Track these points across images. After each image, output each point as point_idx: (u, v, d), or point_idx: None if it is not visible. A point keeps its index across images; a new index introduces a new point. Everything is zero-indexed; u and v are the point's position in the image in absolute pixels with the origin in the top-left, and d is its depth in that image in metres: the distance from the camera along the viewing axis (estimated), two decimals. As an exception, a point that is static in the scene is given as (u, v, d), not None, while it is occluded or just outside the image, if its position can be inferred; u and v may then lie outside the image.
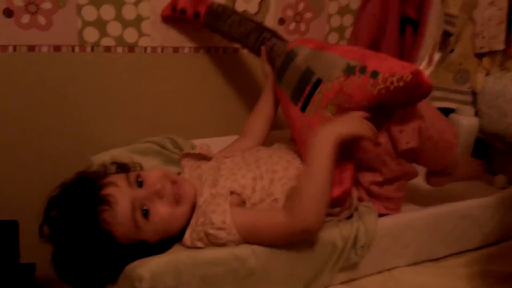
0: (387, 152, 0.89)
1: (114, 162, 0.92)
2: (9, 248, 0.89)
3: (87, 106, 1.13)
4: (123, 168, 0.89)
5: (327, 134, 0.78)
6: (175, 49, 1.17)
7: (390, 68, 0.79)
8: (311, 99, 0.89)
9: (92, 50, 1.10)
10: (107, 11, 1.08)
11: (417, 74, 0.77)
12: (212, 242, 0.78)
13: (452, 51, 1.31)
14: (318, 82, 0.88)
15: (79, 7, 1.05)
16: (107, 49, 1.11)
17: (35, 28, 1.04)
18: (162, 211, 0.79)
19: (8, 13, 1.01)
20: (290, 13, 1.24)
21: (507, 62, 1.31)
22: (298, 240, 0.79)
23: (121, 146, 1.11)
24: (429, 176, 1.08)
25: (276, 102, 1.07)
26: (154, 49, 1.15)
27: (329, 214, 0.86)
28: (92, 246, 0.75)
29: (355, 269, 0.91)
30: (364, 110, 0.83)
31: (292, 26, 1.25)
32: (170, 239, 0.82)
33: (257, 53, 1.08)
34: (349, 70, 0.84)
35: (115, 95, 1.15)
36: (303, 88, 0.91)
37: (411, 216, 0.95)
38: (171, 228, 0.81)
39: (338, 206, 0.88)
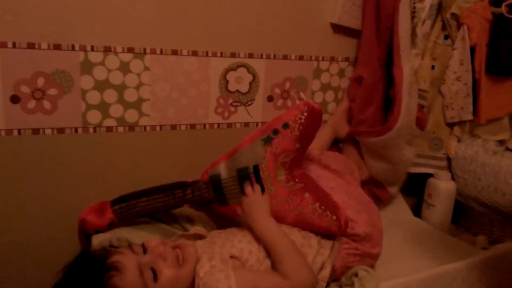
0: None
1: (111, 245, 0.94)
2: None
3: (89, 183, 1.17)
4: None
5: (261, 218, 0.94)
6: (173, 127, 1.24)
7: (289, 115, 0.99)
8: (262, 182, 0.99)
9: (95, 131, 1.15)
10: (110, 95, 1.15)
11: (307, 103, 0.98)
12: None
13: (425, 121, 1.43)
14: (256, 167, 0.99)
15: (84, 92, 1.12)
16: (109, 129, 1.16)
17: (40, 113, 1.09)
18: (168, 272, 0.81)
19: (15, 99, 1.06)
20: (277, 91, 1.34)
21: (475, 129, 1.44)
22: None
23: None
24: None
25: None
26: (153, 127, 1.21)
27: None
28: None
29: (359, 336, 0.93)
30: (299, 151, 0.99)
31: (280, 102, 1.35)
32: None
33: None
34: (267, 141, 0.99)
35: (117, 171, 1.19)
36: (248, 182, 0.99)
37: (407, 279, 1.00)
38: None
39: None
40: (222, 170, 1.03)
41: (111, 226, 1.09)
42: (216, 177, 1.02)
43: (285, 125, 0.98)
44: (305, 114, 0.97)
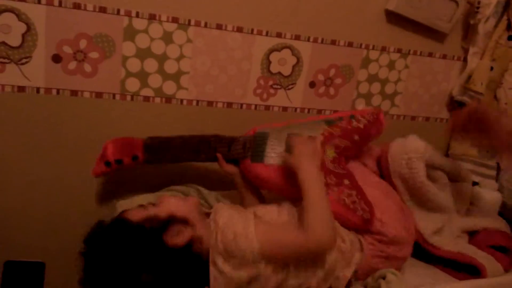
0: None
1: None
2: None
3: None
4: None
5: (311, 168, 0.90)
6: (210, 103, 1.21)
7: (358, 112, 1.08)
8: None
9: (132, 99, 1.14)
10: (150, 64, 1.13)
11: (379, 112, 1.09)
12: (231, 252, 0.80)
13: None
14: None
15: (125, 59, 1.10)
16: (146, 99, 1.15)
17: (80, 75, 1.09)
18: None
19: (57, 59, 1.06)
20: (321, 77, 1.28)
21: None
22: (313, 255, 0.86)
23: (148, 192, 1.13)
24: None
25: (255, 190, 1.09)
26: (189, 102, 1.19)
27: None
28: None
29: None
30: (354, 144, 1.04)
31: (322, 89, 1.30)
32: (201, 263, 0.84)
33: (213, 160, 1.08)
34: (330, 122, 1.05)
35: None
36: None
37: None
38: None
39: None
40: (271, 131, 1.06)
41: (134, 159, 1.03)
42: (264, 134, 1.05)
43: (352, 116, 1.06)
44: (373, 117, 1.07)
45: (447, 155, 1.44)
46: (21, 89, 1.06)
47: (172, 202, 0.88)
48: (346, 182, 0.99)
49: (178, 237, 0.81)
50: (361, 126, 1.04)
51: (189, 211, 0.86)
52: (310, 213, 0.84)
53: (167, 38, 1.12)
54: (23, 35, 1.03)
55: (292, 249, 0.83)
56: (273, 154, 1.01)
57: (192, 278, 0.81)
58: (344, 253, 0.91)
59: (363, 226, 0.96)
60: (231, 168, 1.08)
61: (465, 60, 1.37)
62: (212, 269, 0.81)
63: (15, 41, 1.03)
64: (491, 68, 1.30)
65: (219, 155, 1.06)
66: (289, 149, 0.98)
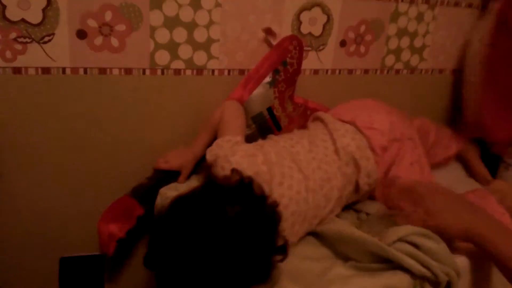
0: None
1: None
2: (94, 282, 0.84)
3: (156, 129, 1.11)
4: None
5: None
6: (241, 72, 1.15)
7: (283, 52, 1.09)
8: (278, 120, 1.10)
9: (163, 73, 1.07)
10: (180, 34, 1.05)
11: (295, 37, 1.11)
12: None
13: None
14: (270, 109, 1.09)
15: (153, 30, 1.03)
16: (177, 72, 1.08)
17: (107, 50, 1.01)
18: None
19: (81, 34, 0.98)
20: (351, 35, 1.23)
21: None
22: None
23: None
24: None
25: None
26: (221, 71, 1.13)
27: None
28: None
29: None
30: (295, 82, 1.14)
31: (353, 48, 1.25)
32: None
33: None
34: (272, 83, 1.09)
35: (184, 118, 1.12)
36: (265, 122, 1.09)
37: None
38: None
39: None
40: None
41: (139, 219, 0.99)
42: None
43: (284, 63, 1.08)
44: (297, 47, 1.09)
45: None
46: (46, 70, 0.98)
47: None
48: (308, 112, 1.16)
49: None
50: (296, 66, 1.10)
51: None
52: None
53: (195, 3, 1.04)
54: (44, 10, 0.94)
55: None
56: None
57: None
58: None
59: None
60: None
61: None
62: None
63: (35, 17, 0.94)
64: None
65: None
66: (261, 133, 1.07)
